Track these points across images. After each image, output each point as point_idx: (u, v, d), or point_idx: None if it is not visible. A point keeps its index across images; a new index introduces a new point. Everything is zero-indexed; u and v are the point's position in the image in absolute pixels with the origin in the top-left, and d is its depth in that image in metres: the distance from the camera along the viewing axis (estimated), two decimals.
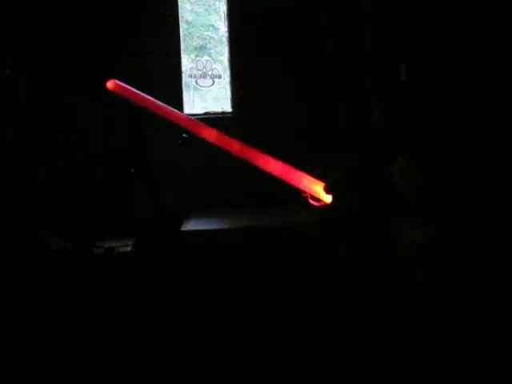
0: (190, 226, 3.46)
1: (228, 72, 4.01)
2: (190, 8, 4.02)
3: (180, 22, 3.95)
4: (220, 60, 4.03)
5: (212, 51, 4.04)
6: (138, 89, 3.65)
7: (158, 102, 2.38)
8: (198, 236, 3.36)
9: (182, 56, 3.99)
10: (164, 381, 2.95)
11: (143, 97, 2.36)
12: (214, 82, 4.00)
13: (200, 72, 3.97)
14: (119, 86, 2.34)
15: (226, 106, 4.05)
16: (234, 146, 2.17)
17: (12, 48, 3.78)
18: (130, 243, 3.48)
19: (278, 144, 3.87)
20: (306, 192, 1.97)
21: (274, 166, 2.06)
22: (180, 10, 3.95)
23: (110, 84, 2.32)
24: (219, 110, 4.05)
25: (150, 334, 3.25)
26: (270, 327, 3.20)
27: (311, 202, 1.97)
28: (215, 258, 3.33)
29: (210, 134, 2.22)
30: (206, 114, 4.03)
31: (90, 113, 3.84)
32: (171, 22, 3.90)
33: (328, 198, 1.93)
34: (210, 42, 4.04)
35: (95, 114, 3.84)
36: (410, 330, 2.99)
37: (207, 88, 4.02)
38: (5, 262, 3.31)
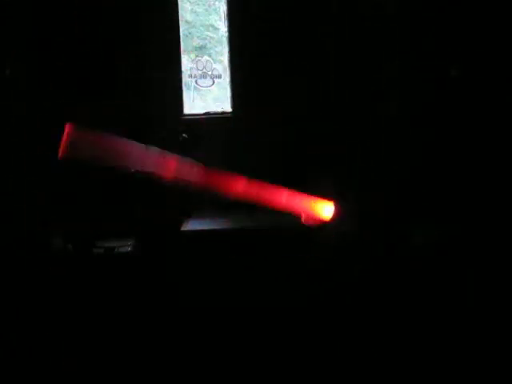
0: (190, 225, 3.46)
1: (228, 72, 4.01)
2: (189, 8, 4.02)
3: (180, 22, 3.95)
4: (220, 60, 4.03)
5: (212, 51, 4.04)
6: (139, 89, 3.61)
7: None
8: (198, 236, 3.36)
9: (182, 56, 3.98)
10: (163, 380, 2.95)
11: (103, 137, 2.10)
12: (214, 81, 4.00)
13: (200, 72, 3.97)
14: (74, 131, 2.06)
15: (226, 106, 4.05)
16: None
17: (12, 48, 3.78)
18: (129, 243, 3.48)
19: (279, 143, 3.89)
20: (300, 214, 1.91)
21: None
22: (180, 10, 3.95)
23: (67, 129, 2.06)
24: (219, 110, 4.05)
25: (150, 334, 3.25)
26: (270, 327, 3.20)
27: (305, 222, 1.93)
28: (215, 258, 3.33)
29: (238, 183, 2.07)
30: (205, 113, 4.03)
31: (90, 113, 3.83)
32: (171, 21, 3.90)
33: (325, 217, 1.88)
34: (210, 42, 4.04)
35: (95, 114, 3.83)
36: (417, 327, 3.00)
37: (207, 88, 4.02)
38: (5, 262, 3.31)
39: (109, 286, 3.34)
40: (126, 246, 3.46)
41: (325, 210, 1.82)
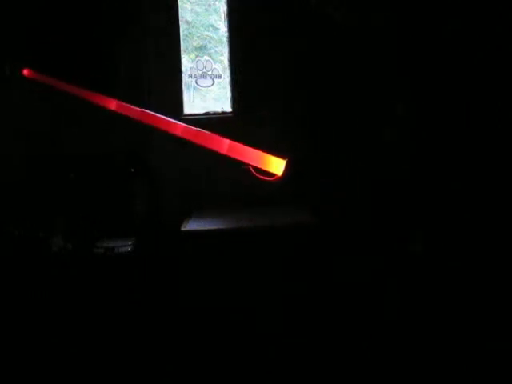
0: (190, 226, 3.45)
1: (228, 72, 4.01)
2: (190, 8, 4.02)
3: (180, 22, 3.95)
4: (220, 60, 4.03)
5: (212, 51, 4.04)
6: (139, 89, 3.69)
7: (66, 84, 2.90)
8: (198, 236, 3.36)
9: (182, 56, 3.98)
10: (163, 379, 2.95)
11: (54, 80, 2.94)
12: (214, 81, 4.00)
13: (200, 72, 3.97)
14: (32, 73, 3.06)
15: (226, 106, 4.05)
16: (134, 113, 2.54)
17: (11, 47, 3.78)
18: (130, 243, 3.48)
19: (279, 144, 3.88)
20: (247, 164, 1.99)
21: (183, 129, 2.17)
22: (180, 10, 3.95)
23: (25, 72, 3.06)
24: (219, 109, 4.05)
25: (150, 333, 3.25)
26: (270, 326, 3.20)
27: (255, 173, 1.98)
28: (215, 258, 3.33)
29: (110, 103, 2.62)
30: (206, 113, 4.03)
31: (90, 113, 3.84)
32: (171, 22, 3.90)
33: (278, 171, 1.93)
34: (210, 42, 4.04)
35: (95, 114, 3.84)
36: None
37: (207, 88, 4.01)
38: (5, 262, 3.31)
39: (109, 286, 3.34)
40: (126, 246, 3.45)
41: (276, 165, 1.88)
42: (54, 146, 3.86)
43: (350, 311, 3.34)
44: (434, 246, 3.64)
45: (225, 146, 2.03)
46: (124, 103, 2.55)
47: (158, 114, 2.38)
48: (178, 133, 2.23)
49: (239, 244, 3.30)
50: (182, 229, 3.39)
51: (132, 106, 2.52)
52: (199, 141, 2.14)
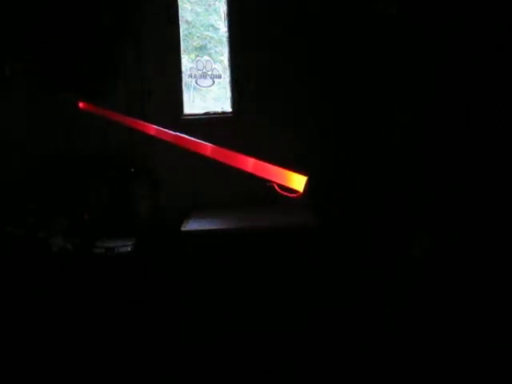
0: (190, 226, 3.46)
1: (228, 72, 4.01)
2: (190, 8, 4.02)
3: (180, 22, 3.95)
4: (220, 60, 4.03)
5: (212, 51, 4.03)
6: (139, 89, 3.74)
7: (121, 115, 3.36)
8: (198, 236, 3.36)
9: (182, 56, 3.98)
10: (163, 379, 2.96)
11: (108, 111, 3.38)
12: (213, 81, 4.00)
13: (200, 72, 3.97)
14: (87, 105, 3.52)
15: (226, 106, 4.05)
16: (168, 136, 2.78)
17: (11, 47, 3.78)
18: (130, 243, 3.48)
19: (279, 144, 3.89)
20: (272, 181, 2.03)
21: (212, 150, 2.35)
22: (180, 10, 3.95)
23: (81, 105, 3.52)
24: (219, 110, 4.05)
25: (150, 333, 3.25)
26: (270, 327, 3.20)
27: (279, 190, 2.02)
28: (215, 258, 3.33)
29: (150, 130, 2.98)
30: (205, 113, 4.03)
31: (91, 113, 3.83)
32: (171, 21, 3.90)
33: (300, 187, 1.96)
34: (210, 42, 4.04)
35: (96, 115, 3.83)
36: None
37: (207, 88, 4.02)
38: (5, 262, 3.31)
39: (109, 286, 3.34)
40: (126, 246, 3.45)
41: (298, 182, 1.91)
42: (54, 146, 3.86)
43: (351, 312, 3.34)
44: (434, 245, 3.64)
45: (250, 164, 2.11)
46: (160, 128, 2.89)
47: (188, 137, 2.58)
48: (208, 153, 2.39)
49: (240, 244, 3.30)
50: (182, 229, 3.39)
51: (167, 131, 2.81)
52: (227, 160, 2.26)
